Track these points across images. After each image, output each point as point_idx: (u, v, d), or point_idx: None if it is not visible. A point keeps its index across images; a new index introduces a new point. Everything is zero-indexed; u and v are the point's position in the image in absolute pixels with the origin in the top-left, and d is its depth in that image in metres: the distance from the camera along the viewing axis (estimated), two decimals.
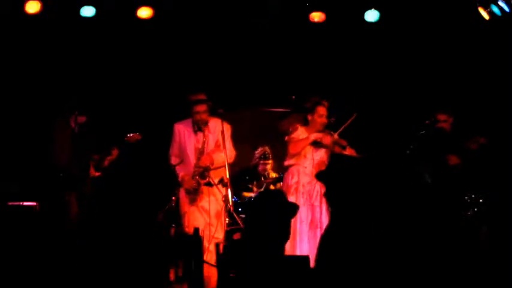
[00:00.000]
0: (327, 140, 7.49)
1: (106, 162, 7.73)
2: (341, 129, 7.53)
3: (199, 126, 7.45)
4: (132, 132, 7.78)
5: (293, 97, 8.94)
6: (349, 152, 7.55)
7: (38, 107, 8.57)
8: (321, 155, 7.59)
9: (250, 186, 8.77)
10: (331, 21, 8.75)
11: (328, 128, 7.57)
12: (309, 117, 7.56)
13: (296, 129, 7.58)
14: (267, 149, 8.63)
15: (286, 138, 7.65)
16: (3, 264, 6.96)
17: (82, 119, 7.62)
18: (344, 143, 7.54)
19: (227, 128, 7.45)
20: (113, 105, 8.73)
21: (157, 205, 7.63)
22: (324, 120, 7.52)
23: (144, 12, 8.61)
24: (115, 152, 7.73)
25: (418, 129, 7.91)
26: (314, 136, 7.50)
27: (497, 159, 7.80)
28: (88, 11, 8.51)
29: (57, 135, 7.60)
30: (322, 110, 7.51)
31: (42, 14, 8.39)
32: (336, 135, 7.52)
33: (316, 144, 7.54)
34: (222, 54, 9.02)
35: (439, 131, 7.76)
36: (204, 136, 7.44)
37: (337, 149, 7.58)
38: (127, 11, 8.59)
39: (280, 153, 7.97)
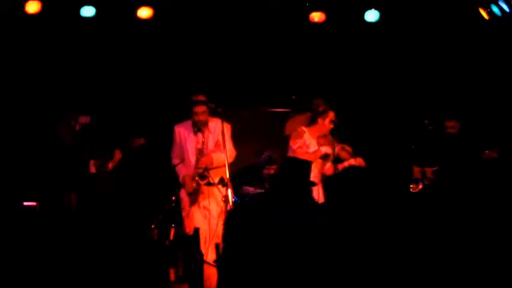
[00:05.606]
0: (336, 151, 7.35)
1: (110, 166, 7.64)
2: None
3: (199, 127, 7.46)
4: (135, 137, 7.71)
5: (293, 97, 8.93)
6: (358, 161, 7.43)
7: (38, 106, 8.55)
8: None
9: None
10: (331, 21, 8.75)
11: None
12: (319, 120, 7.47)
13: (301, 136, 7.42)
14: (273, 153, 8.45)
15: (291, 144, 7.49)
16: (4, 264, 6.96)
17: (86, 119, 7.53)
18: (349, 149, 7.45)
19: (227, 128, 7.45)
20: (113, 105, 8.72)
21: (158, 205, 7.62)
22: (331, 125, 7.41)
23: (144, 12, 8.61)
24: (118, 155, 7.65)
25: (419, 129, 7.93)
26: (324, 150, 7.37)
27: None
28: (88, 11, 8.51)
29: (60, 138, 7.52)
30: (333, 116, 7.42)
31: (42, 14, 8.39)
32: (339, 144, 7.43)
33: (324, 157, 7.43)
34: (222, 54, 9.01)
35: (447, 136, 7.82)
36: (204, 137, 7.46)
37: (344, 155, 7.46)
38: (127, 11, 8.59)
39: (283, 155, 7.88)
